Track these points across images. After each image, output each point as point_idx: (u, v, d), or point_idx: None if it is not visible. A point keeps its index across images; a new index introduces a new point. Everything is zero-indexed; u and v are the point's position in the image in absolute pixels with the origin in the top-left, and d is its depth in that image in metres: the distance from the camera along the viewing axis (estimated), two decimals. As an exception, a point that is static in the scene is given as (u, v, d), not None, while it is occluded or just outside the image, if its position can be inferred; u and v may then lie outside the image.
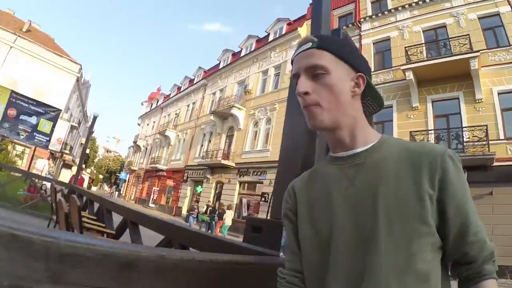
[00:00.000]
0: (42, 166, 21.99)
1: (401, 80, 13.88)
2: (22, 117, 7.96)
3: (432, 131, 12.32)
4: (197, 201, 18.21)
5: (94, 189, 49.70)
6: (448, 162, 0.70)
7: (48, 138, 8.35)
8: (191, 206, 16.97)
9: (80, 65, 32.75)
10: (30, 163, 13.31)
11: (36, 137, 8.12)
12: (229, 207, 15.09)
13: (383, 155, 0.76)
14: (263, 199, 17.33)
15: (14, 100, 8.01)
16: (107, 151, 73.68)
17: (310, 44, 0.80)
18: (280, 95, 20.02)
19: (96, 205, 5.67)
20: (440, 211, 0.70)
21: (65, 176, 39.22)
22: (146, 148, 40.30)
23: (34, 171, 16.72)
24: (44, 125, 8.12)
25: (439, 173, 0.69)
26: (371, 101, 0.85)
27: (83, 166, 51.12)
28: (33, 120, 8.01)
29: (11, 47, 28.26)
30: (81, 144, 50.05)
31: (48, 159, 29.18)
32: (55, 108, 10.35)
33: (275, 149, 18.19)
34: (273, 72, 22.09)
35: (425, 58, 13.11)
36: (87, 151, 56.92)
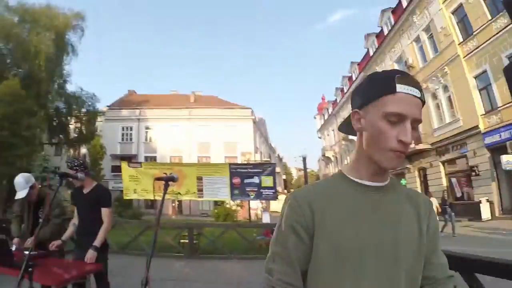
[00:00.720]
0: (255, 205, 25.50)
1: None
2: (245, 181, 9.95)
3: None
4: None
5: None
6: (433, 207, 0.93)
7: (273, 191, 10.29)
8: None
9: (251, 108, 37.88)
10: (249, 209, 15.95)
11: (263, 193, 10.15)
12: (430, 195, 13.23)
13: (396, 193, 0.89)
14: (473, 173, 15.78)
15: (234, 170, 10.25)
16: (299, 170, 79.59)
17: (419, 92, 0.80)
18: (444, 57, 18.04)
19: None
20: None
21: (274, 206, 43.85)
22: (336, 157, 42.22)
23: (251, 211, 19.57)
24: (266, 181, 10.14)
25: (429, 212, 0.91)
26: None
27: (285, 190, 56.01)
28: (256, 180, 9.98)
29: (189, 119, 35.66)
30: (277, 172, 55.71)
31: (256, 196, 33.68)
32: (270, 163, 12.80)
33: (466, 115, 16.47)
34: (425, 37, 20.08)
35: None
36: (284, 177, 62.75)
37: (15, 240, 3.33)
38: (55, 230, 3.30)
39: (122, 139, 36.16)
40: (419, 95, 0.80)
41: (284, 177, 64.38)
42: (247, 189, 9.64)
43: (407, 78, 0.81)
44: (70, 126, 28.36)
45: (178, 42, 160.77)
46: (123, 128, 36.15)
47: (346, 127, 0.97)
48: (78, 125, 28.77)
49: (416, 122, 0.80)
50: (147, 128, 36.55)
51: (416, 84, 0.81)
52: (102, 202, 3.07)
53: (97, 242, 2.90)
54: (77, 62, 75.22)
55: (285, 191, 54.95)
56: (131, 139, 36.18)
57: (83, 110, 27.29)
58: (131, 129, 36.25)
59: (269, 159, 42.17)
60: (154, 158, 32.95)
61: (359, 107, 0.86)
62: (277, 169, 54.76)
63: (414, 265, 0.83)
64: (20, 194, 3.15)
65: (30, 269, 2.09)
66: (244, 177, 9.67)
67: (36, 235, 2.54)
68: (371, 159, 0.83)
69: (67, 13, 25.00)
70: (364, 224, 0.82)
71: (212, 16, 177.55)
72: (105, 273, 3.02)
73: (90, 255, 2.84)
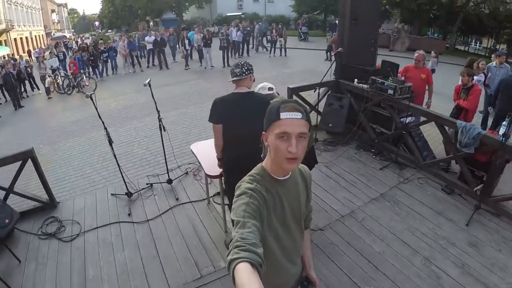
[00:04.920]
0: None
1: None
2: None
3: None
4: None
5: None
6: (311, 177, 1.42)
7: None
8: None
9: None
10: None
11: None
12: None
13: (295, 177, 1.29)
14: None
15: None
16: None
17: (301, 114, 1.07)
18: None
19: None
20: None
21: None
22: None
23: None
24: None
25: (310, 182, 1.40)
26: None
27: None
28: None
29: None
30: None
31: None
32: None
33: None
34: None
35: None
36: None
37: None
38: None
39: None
40: (300, 117, 1.06)
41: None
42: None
43: (288, 106, 1.07)
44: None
45: None
46: None
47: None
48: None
49: (300, 134, 1.06)
50: None
51: (297, 109, 1.07)
52: None
53: None
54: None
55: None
56: None
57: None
58: None
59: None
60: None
61: (265, 130, 1.15)
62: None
63: (304, 216, 1.40)
64: None
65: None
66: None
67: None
68: (277, 163, 1.14)
69: None
70: (287, 204, 1.24)
71: None
72: None
73: None
